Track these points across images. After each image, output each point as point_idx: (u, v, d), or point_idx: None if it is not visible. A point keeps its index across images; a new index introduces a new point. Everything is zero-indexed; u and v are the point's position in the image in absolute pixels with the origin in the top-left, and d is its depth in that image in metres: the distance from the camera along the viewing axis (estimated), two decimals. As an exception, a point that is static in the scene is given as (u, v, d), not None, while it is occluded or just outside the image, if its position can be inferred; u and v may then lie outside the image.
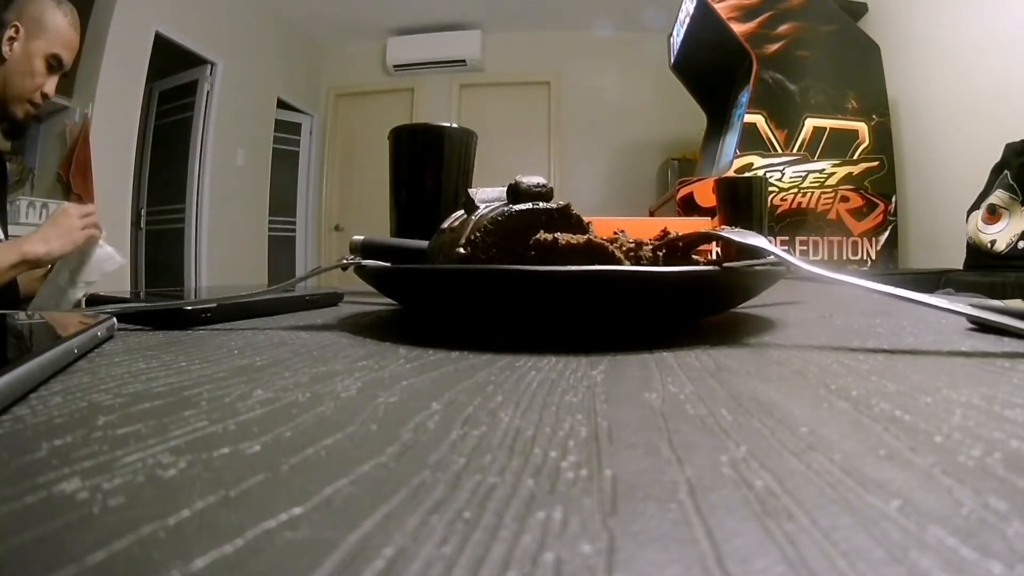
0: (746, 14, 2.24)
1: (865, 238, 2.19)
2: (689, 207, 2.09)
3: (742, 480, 0.09)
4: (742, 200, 0.78)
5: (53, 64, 0.95)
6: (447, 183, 0.58)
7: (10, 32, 0.91)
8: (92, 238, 0.85)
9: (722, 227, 0.63)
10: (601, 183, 4.04)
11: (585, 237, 0.28)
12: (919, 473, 0.09)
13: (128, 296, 0.40)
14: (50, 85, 0.96)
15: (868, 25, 2.49)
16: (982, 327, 0.26)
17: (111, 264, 0.87)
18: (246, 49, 3.53)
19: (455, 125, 0.59)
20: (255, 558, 0.07)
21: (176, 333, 0.27)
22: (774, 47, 2.21)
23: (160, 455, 0.10)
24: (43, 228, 0.84)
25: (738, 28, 2.24)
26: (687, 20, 2.60)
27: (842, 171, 2.19)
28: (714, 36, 2.37)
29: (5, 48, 0.91)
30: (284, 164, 4.06)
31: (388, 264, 0.29)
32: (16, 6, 0.94)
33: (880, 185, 2.20)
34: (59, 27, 0.96)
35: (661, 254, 0.31)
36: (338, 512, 0.08)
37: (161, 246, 3.33)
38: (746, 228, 0.31)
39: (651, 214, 2.88)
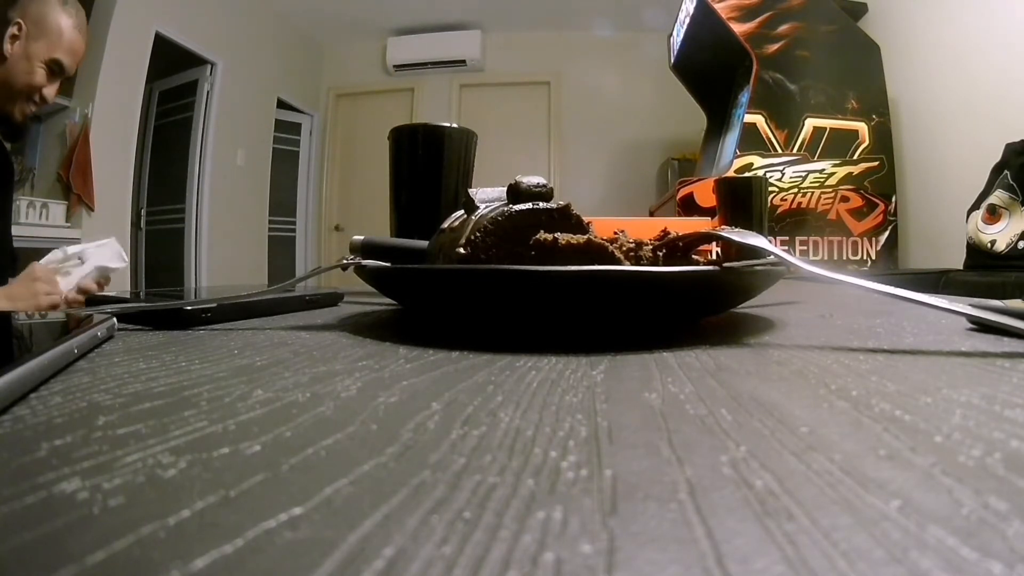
0: (746, 14, 2.24)
1: (865, 238, 2.19)
2: (689, 207, 2.09)
3: (742, 480, 0.09)
4: (742, 200, 0.78)
5: (54, 69, 0.92)
6: (447, 183, 0.58)
7: (12, 30, 0.88)
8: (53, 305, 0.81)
9: (722, 227, 0.63)
10: (601, 183, 4.04)
11: (585, 237, 0.28)
12: (919, 473, 0.09)
13: (128, 296, 0.40)
14: (50, 89, 0.93)
15: (868, 25, 2.50)
16: (982, 327, 0.26)
17: (115, 261, 0.86)
18: (246, 49, 3.53)
19: (455, 125, 0.59)
20: (255, 558, 0.07)
21: (176, 333, 0.27)
22: (774, 47, 2.21)
23: (160, 455, 0.10)
24: (12, 286, 0.80)
25: (738, 28, 2.24)
26: (687, 20, 2.60)
27: (842, 171, 2.19)
28: (714, 36, 2.38)
29: (7, 46, 0.87)
30: (284, 164, 4.06)
31: (388, 264, 0.29)
32: (21, 3, 0.90)
33: (880, 185, 2.20)
34: (62, 30, 0.92)
35: (661, 254, 0.31)
36: (338, 512, 0.08)
37: (161, 246, 3.33)
38: (746, 228, 0.31)
39: (651, 214, 2.88)
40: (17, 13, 0.89)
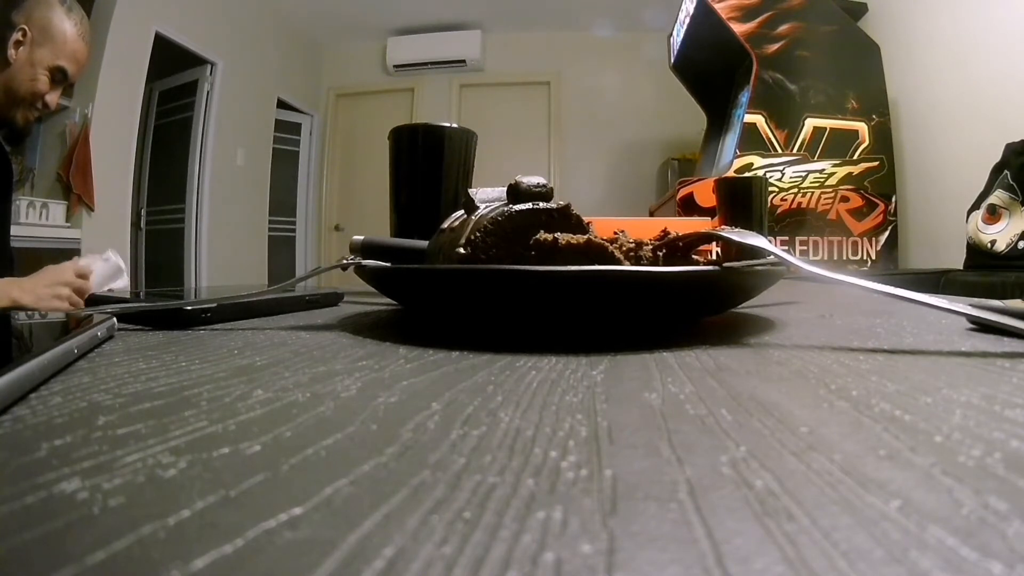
0: (746, 14, 2.24)
1: (865, 238, 2.19)
2: (689, 207, 2.09)
3: (742, 480, 0.09)
4: (742, 200, 0.78)
5: (57, 76, 0.91)
6: (447, 183, 0.58)
7: (17, 35, 0.87)
8: (71, 306, 0.80)
9: (722, 227, 0.63)
10: (601, 183, 4.04)
11: (585, 237, 0.28)
12: (919, 473, 0.09)
13: (128, 296, 0.40)
14: (52, 96, 0.93)
15: (868, 25, 2.49)
16: (982, 327, 0.26)
17: (118, 279, 0.86)
18: (246, 49, 3.53)
19: (455, 125, 0.59)
20: (255, 558, 0.07)
21: (176, 333, 0.27)
22: (774, 47, 2.21)
23: (160, 455, 0.10)
24: (35, 279, 0.80)
25: (738, 28, 2.24)
26: (687, 20, 2.60)
27: (842, 171, 2.19)
28: (714, 36, 2.37)
29: (11, 52, 0.87)
30: (284, 164, 4.06)
31: (388, 264, 0.29)
32: (25, 8, 0.89)
33: (880, 185, 2.20)
34: (66, 37, 0.91)
35: (661, 254, 0.31)
36: (338, 512, 0.08)
37: (161, 246, 3.33)
38: (746, 228, 0.31)
39: (651, 214, 2.88)
40: (21, 18, 0.88)
